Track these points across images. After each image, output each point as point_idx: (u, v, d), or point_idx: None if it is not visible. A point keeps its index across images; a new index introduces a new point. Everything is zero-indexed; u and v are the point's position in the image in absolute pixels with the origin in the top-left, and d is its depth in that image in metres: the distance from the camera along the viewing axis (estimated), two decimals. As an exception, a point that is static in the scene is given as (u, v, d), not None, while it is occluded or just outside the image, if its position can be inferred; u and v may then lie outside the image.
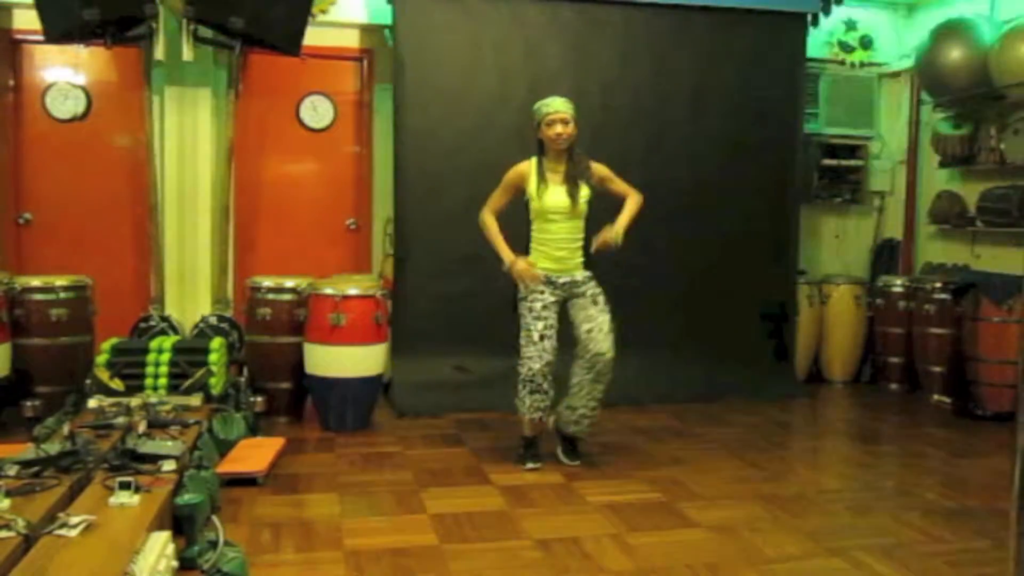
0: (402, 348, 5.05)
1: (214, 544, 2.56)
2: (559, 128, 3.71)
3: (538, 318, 3.77)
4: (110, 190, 5.33)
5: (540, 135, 3.80)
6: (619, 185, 3.96)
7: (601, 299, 3.82)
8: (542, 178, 3.78)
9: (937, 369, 5.46)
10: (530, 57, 5.28)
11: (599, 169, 3.89)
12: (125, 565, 2.02)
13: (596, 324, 3.77)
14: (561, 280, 3.82)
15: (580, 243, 3.84)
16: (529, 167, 3.83)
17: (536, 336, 3.76)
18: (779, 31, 5.61)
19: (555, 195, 3.77)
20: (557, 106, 3.74)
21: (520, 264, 3.79)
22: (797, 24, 5.65)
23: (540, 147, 3.84)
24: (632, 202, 3.92)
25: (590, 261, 3.87)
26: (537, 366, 3.75)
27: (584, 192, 3.78)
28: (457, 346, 5.14)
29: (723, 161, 5.51)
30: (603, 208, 3.90)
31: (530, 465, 3.86)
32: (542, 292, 3.79)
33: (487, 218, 3.91)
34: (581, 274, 3.84)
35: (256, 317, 4.64)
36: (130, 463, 2.76)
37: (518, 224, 3.91)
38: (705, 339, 5.45)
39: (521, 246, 3.87)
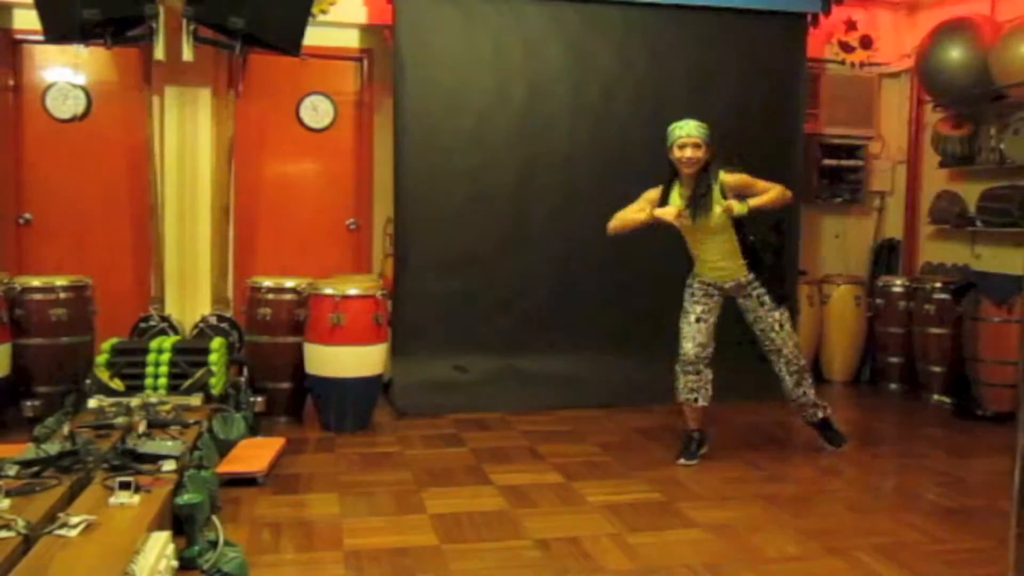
0: (402, 348, 5.05)
1: (214, 544, 2.56)
2: (689, 152, 3.76)
3: (697, 302, 3.95)
4: (110, 190, 5.33)
5: (671, 156, 3.83)
6: (759, 187, 3.91)
7: (767, 298, 3.97)
8: (664, 202, 3.84)
9: (937, 369, 5.46)
10: (530, 57, 5.28)
11: (735, 181, 3.85)
12: (125, 565, 2.02)
13: (767, 324, 3.98)
14: (727, 285, 3.96)
15: (735, 251, 3.91)
16: (656, 193, 3.89)
17: (693, 318, 3.94)
18: (779, 31, 5.60)
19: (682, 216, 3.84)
20: (689, 130, 3.78)
21: (657, 210, 3.81)
22: (797, 24, 5.64)
23: (673, 169, 3.87)
24: (772, 191, 3.87)
25: (758, 263, 3.96)
26: (690, 346, 3.91)
27: (715, 210, 3.80)
28: (457, 346, 5.14)
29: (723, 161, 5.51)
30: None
31: (682, 461, 3.96)
32: (706, 284, 3.95)
33: (611, 221, 3.92)
34: (745, 277, 3.96)
35: (256, 317, 4.64)
36: (130, 463, 2.77)
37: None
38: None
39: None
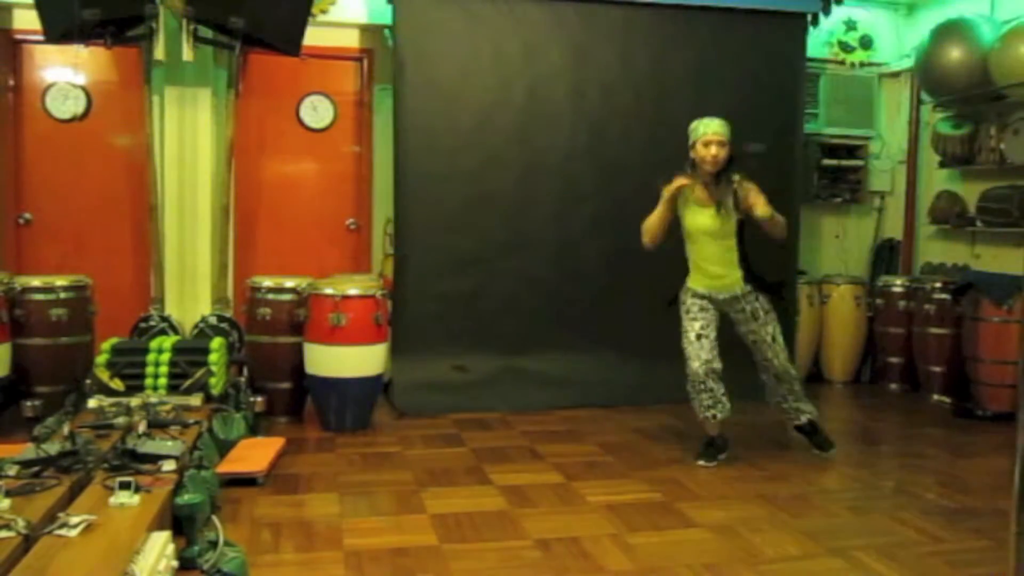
0: (402, 348, 5.05)
1: (214, 544, 2.55)
2: (714, 149, 3.75)
3: (695, 319, 3.90)
4: (110, 190, 5.33)
5: (693, 154, 3.82)
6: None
7: (760, 313, 3.93)
8: (686, 198, 3.84)
9: (937, 369, 5.46)
10: (530, 57, 5.28)
11: (748, 188, 3.79)
12: (125, 565, 2.02)
13: (759, 337, 3.95)
14: (721, 297, 3.92)
15: (735, 260, 3.89)
16: (671, 189, 3.82)
17: (693, 336, 3.88)
18: (779, 31, 5.60)
19: (699, 216, 3.83)
20: (715, 127, 3.77)
21: (667, 188, 3.77)
22: (797, 24, 5.65)
23: (692, 165, 3.85)
24: (780, 217, 3.85)
25: (754, 276, 3.93)
26: (696, 364, 3.86)
27: (731, 213, 3.82)
28: (457, 346, 5.14)
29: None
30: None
31: (702, 462, 3.96)
32: (700, 297, 3.90)
33: (644, 236, 3.90)
34: (741, 289, 3.91)
35: (256, 317, 4.64)
36: (130, 463, 2.76)
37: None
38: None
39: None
